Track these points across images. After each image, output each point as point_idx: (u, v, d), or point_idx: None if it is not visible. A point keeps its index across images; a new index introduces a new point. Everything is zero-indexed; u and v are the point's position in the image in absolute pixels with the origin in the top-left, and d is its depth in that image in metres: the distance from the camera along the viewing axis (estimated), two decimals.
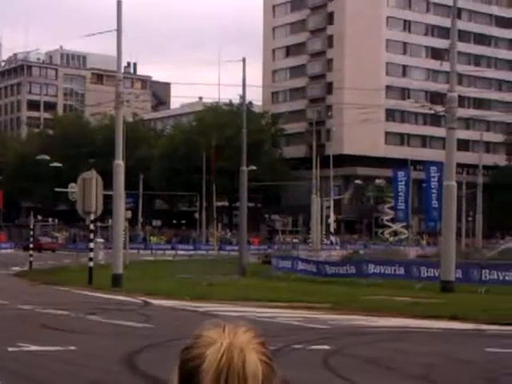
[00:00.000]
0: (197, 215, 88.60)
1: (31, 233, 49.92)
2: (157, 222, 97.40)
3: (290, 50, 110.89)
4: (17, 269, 44.67)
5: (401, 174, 62.73)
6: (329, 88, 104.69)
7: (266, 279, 36.42)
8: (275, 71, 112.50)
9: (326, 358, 14.17)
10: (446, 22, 73.94)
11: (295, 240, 76.82)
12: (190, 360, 1.53)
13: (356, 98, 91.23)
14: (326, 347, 15.60)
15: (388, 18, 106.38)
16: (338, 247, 70.99)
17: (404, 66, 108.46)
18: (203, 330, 1.55)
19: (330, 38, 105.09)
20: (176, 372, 1.56)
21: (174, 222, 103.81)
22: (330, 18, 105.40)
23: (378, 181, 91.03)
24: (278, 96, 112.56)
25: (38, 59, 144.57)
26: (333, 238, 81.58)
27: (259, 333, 1.53)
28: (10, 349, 14.82)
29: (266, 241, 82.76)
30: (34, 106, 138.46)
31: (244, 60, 43.02)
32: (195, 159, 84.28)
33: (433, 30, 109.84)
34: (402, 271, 33.47)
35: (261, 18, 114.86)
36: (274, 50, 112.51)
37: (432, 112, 50.05)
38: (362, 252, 58.95)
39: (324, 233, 76.19)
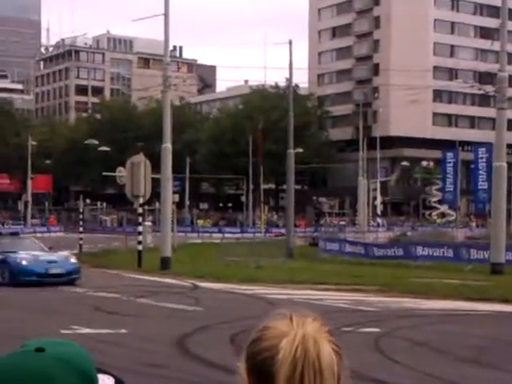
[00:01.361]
0: (243, 198, 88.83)
1: (80, 216, 50.56)
2: (204, 205, 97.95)
3: (336, 32, 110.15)
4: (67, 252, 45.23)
5: (449, 155, 61.97)
6: (375, 69, 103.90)
7: (314, 261, 36.43)
8: (321, 53, 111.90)
9: (376, 341, 14.18)
10: (495, 1, 72.78)
11: (342, 222, 76.60)
12: (260, 352, 1.51)
13: (403, 79, 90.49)
14: (376, 330, 15.59)
15: None
16: (384, 229, 70.64)
17: (452, 46, 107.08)
18: (270, 322, 1.54)
19: (377, 18, 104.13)
20: (243, 365, 1.55)
21: (221, 205, 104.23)
22: None
23: (425, 162, 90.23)
24: (324, 78, 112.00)
25: (86, 44, 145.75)
26: (379, 220, 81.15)
27: (324, 321, 1.54)
28: (63, 331, 15.05)
29: (312, 223, 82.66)
30: (81, 90, 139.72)
31: (290, 42, 42.91)
32: (242, 142, 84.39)
33: (481, 9, 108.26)
34: (450, 253, 33.25)
35: (306, 0, 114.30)
36: (319, 32, 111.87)
37: (481, 92, 49.49)
38: (409, 234, 58.58)
39: (371, 215, 75.87)
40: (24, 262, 24.62)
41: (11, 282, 24.08)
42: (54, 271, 24.72)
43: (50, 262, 25.01)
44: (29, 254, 25.52)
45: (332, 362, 1.50)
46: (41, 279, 24.28)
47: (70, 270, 25.13)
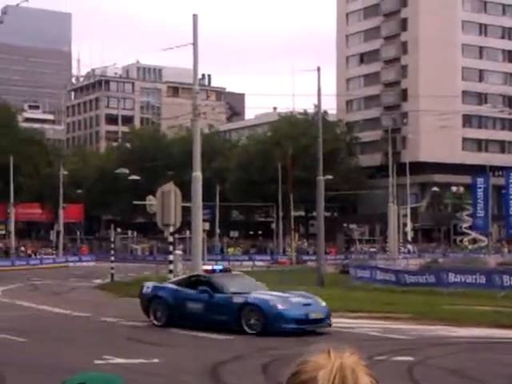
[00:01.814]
0: (273, 225, 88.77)
1: (112, 245, 50.83)
2: (234, 233, 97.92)
3: (363, 58, 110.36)
4: (99, 281, 45.47)
5: (480, 180, 61.70)
6: (404, 95, 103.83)
7: (345, 289, 36.28)
8: (349, 79, 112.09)
9: (410, 370, 14.10)
10: None
11: (372, 249, 76.25)
12: None
13: (432, 104, 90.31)
14: (409, 358, 15.51)
15: (463, 22, 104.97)
16: (415, 256, 70.20)
17: (480, 71, 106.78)
18: (308, 356, 1.55)
19: (404, 44, 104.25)
20: None
21: (251, 232, 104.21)
22: (403, 24, 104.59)
23: (455, 188, 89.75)
24: (353, 104, 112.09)
25: (115, 74, 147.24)
26: (410, 247, 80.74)
27: (362, 355, 1.59)
28: (96, 361, 15.13)
29: (342, 250, 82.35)
30: (111, 120, 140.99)
31: (319, 69, 43.04)
32: (271, 169, 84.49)
33: (509, 33, 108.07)
34: (483, 280, 32.94)
35: (334, 27, 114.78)
36: (347, 58, 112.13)
37: (511, 117, 49.22)
38: (440, 260, 58.16)
39: (401, 241, 75.48)
40: (280, 306, 20.14)
41: (265, 330, 19.70)
42: (314, 316, 20.43)
43: (305, 304, 20.70)
44: (271, 294, 21.16)
45: None
46: (300, 326, 20.02)
47: (327, 314, 20.91)
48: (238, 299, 20.38)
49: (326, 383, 1.49)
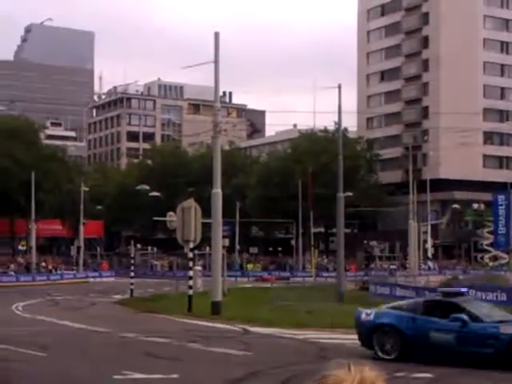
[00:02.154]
0: (293, 242, 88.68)
1: (132, 261, 50.97)
2: (253, 250, 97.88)
3: (384, 75, 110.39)
4: (118, 297, 45.62)
5: (501, 197, 61.44)
6: (425, 112, 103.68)
7: (364, 305, 36.10)
8: (370, 96, 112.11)
9: None
10: None
11: (392, 266, 75.98)
12: None
13: (453, 121, 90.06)
14: (428, 375, 15.44)
15: (485, 39, 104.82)
16: (436, 273, 69.87)
17: (502, 88, 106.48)
18: (328, 370, 1.58)
19: (426, 61, 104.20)
20: None
21: (271, 249, 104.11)
22: (425, 42, 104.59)
23: (476, 205, 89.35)
24: (373, 121, 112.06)
25: (137, 91, 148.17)
26: (430, 264, 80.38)
27: (382, 372, 1.58)
28: (115, 377, 15.19)
29: (362, 267, 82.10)
30: (133, 137, 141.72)
31: (339, 86, 43.11)
32: (291, 186, 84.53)
33: None
34: (504, 297, 32.74)
35: (355, 44, 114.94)
36: (368, 76, 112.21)
37: None
38: (461, 277, 57.82)
39: (422, 258, 75.13)
40: None
41: None
42: None
43: None
44: None
45: None
46: None
47: None
48: (507, 329, 16.91)
49: None
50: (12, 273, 68.41)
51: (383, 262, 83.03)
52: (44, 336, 23.45)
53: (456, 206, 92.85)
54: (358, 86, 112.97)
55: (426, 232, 79.80)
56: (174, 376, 15.42)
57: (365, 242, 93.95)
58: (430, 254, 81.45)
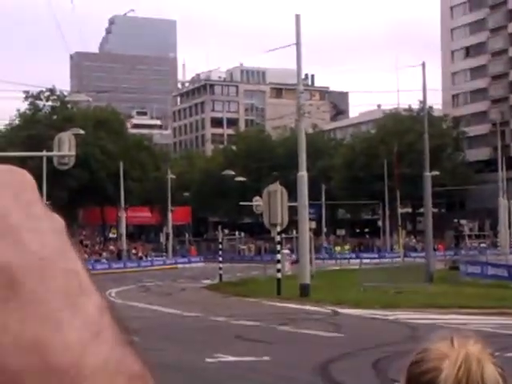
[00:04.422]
0: (380, 223, 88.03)
1: (220, 246, 51.44)
2: (340, 232, 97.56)
3: (469, 51, 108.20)
4: (207, 282, 46.10)
5: None
6: None
7: (455, 285, 35.68)
8: (455, 73, 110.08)
9: None
10: None
11: (482, 245, 74.67)
12: (423, 374, 1.50)
13: None
14: None
15: None
16: None
17: None
18: (430, 344, 1.53)
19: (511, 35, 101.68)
20: None
21: (358, 230, 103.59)
22: (510, 15, 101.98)
23: None
24: (459, 98, 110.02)
25: (220, 77, 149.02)
26: None
27: (487, 344, 1.53)
28: (208, 359, 15.39)
29: (451, 246, 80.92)
30: (217, 123, 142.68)
31: (423, 64, 42.52)
32: (376, 167, 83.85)
33: None
34: None
35: (438, 21, 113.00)
36: (452, 52, 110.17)
37: None
38: None
39: None
40: None
41: None
42: None
43: None
44: None
45: (497, 383, 1.48)
46: None
47: None
48: None
49: (450, 374, 1.46)
50: (104, 260, 69.91)
51: (473, 241, 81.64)
52: (137, 321, 23.87)
53: None
54: (443, 62, 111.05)
55: None
56: (266, 358, 15.52)
57: (455, 220, 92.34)
58: None
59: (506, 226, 64.38)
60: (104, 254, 72.37)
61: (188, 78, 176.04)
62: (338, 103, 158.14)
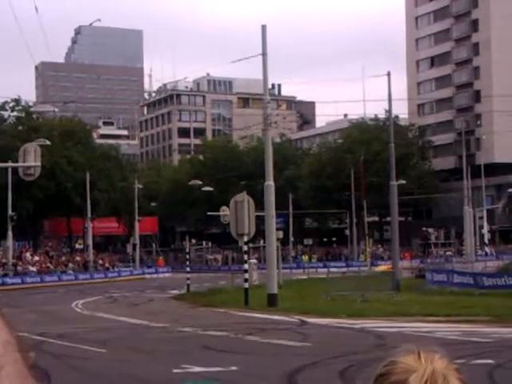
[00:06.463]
0: (347, 232, 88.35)
1: (187, 256, 51.31)
2: (308, 241, 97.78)
3: (434, 61, 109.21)
4: (175, 292, 45.95)
5: None
6: (477, 96, 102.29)
7: (421, 293, 35.91)
8: (420, 83, 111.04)
9: (490, 373, 13.89)
10: None
11: (448, 253, 75.27)
12: None
13: (506, 104, 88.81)
14: (490, 361, 15.28)
15: None
16: (493, 258, 69.05)
17: None
18: (398, 357, 1.53)
19: (476, 45, 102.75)
20: None
21: (325, 239, 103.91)
22: (474, 26, 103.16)
23: None
24: (424, 108, 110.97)
25: (186, 87, 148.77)
26: (487, 249, 79.45)
27: (451, 359, 1.53)
28: (175, 370, 15.32)
29: (418, 255, 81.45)
30: (184, 133, 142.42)
31: (389, 74, 42.81)
32: (343, 176, 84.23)
33: None
34: None
35: (404, 31, 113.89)
36: (417, 62, 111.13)
37: None
38: None
39: (478, 244, 74.27)
40: None
41: None
42: None
43: None
44: None
45: None
46: None
47: None
48: None
49: None
50: (71, 271, 69.34)
51: (439, 249, 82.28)
52: (103, 332, 23.74)
53: None
54: (408, 72, 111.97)
55: (481, 217, 78.89)
56: (233, 368, 15.49)
57: (424, 229, 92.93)
58: (486, 240, 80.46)
59: (472, 234, 64.94)
60: (70, 265, 71.70)
61: (155, 88, 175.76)
62: (304, 113, 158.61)
